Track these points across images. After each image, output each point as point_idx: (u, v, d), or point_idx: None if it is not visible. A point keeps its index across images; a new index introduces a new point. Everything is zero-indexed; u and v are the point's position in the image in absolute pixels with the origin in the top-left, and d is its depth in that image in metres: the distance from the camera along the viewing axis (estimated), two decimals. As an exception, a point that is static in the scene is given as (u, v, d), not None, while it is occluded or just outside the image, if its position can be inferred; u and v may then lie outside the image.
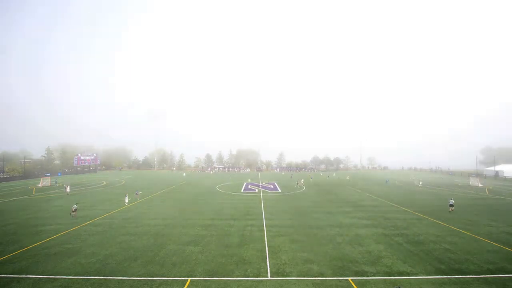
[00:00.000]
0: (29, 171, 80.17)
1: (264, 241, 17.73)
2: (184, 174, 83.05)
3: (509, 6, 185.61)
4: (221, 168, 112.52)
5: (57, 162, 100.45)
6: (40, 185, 51.71)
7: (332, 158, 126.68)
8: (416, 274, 12.84)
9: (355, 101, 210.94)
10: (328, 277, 12.56)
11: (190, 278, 12.41)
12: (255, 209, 28.21)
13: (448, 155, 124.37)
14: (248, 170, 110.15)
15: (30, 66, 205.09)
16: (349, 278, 12.42)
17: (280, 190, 44.11)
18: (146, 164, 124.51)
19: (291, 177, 72.60)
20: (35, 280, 12.32)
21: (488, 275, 12.72)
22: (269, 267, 13.67)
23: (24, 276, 12.71)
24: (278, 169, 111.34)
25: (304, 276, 12.61)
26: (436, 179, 66.12)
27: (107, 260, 14.51)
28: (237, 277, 12.59)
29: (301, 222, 22.52)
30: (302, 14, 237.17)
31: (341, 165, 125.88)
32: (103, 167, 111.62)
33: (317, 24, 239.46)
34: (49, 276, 12.64)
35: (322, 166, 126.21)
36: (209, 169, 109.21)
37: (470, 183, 53.93)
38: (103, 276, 12.65)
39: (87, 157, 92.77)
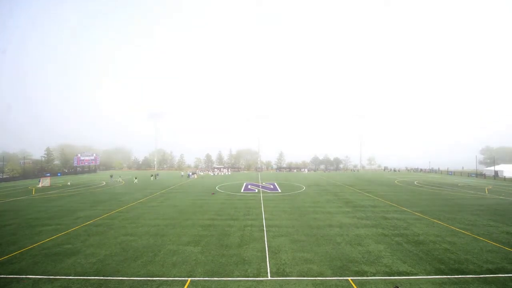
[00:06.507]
0: (28, 171, 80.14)
1: (264, 241, 17.72)
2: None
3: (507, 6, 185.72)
4: (222, 169, 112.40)
5: (56, 162, 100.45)
6: (40, 185, 51.68)
7: (332, 158, 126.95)
8: (416, 274, 12.84)
9: (355, 101, 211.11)
10: (328, 277, 12.56)
11: (190, 278, 12.41)
12: (255, 209, 28.19)
13: (448, 155, 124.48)
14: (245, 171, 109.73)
15: (30, 66, 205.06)
16: (349, 278, 12.42)
17: (280, 190, 44.09)
18: (146, 164, 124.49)
19: None
20: (35, 280, 12.30)
21: (488, 275, 12.72)
22: (269, 267, 13.66)
23: (23, 276, 12.69)
24: (277, 170, 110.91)
25: (304, 276, 12.61)
26: (437, 179, 66.13)
27: (107, 260, 14.50)
28: (237, 277, 12.58)
29: (301, 222, 22.51)
30: (302, 14, 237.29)
31: (341, 165, 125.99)
32: (103, 167, 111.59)
33: (317, 24, 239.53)
34: (48, 277, 12.63)
35: (322, 167, 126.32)
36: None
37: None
38: (103, 276, 12.64)
39: (86, 157, 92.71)
